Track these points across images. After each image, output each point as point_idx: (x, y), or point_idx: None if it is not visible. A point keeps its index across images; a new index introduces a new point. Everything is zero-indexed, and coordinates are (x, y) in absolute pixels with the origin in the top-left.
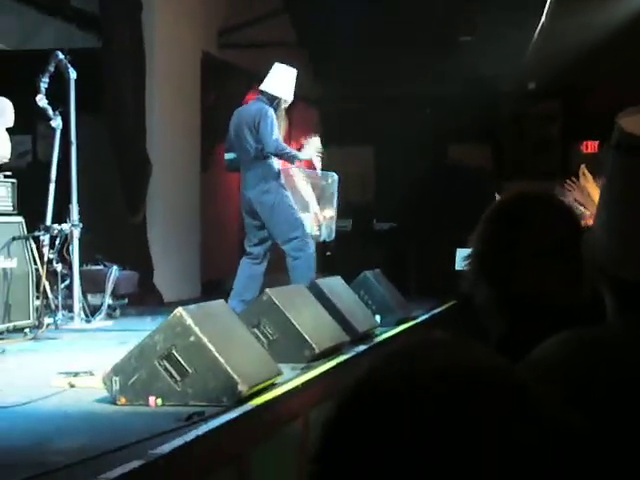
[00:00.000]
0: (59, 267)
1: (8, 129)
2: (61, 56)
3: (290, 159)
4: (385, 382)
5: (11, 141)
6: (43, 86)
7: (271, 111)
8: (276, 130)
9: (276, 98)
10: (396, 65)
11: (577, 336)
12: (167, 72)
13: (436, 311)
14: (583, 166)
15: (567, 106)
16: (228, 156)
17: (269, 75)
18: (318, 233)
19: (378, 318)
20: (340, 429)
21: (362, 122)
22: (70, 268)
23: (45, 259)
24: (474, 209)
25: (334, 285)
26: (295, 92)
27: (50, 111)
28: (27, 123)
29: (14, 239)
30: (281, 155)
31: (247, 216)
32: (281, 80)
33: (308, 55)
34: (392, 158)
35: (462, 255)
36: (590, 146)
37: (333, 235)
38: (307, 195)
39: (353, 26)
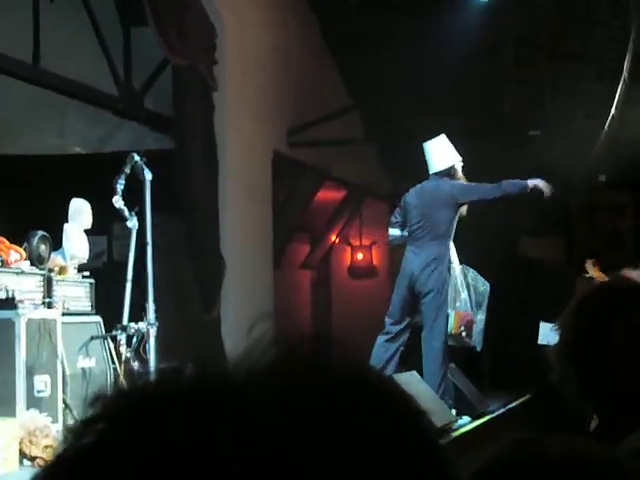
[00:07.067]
0: (136, 366)
1: (85, 231)
2: (137, 158)
3: (521, 188)
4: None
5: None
6: (119, 187)
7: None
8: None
9: (450, 168)
10: (466, 160)
11: None
12: (239, 171)
13: (512, 405)
14: None
15: (638, 199)
16: (393, 232)
17: (428, 157)
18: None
19: (454, 412)
20: None
21: None
22: (147, 367)
23: (123, 358)
24: (553, 303)
25: (410, 380)
26: (365, 187)
27: (126, 212)
28: (103, 224)
29: (92, 338)
30: (509, 192)
31: (406, 292)
32: (440, 152)
33: (378, 150)
34: (467, 253)
35: (546, 329)
36: None
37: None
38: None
39: (423, 121)
